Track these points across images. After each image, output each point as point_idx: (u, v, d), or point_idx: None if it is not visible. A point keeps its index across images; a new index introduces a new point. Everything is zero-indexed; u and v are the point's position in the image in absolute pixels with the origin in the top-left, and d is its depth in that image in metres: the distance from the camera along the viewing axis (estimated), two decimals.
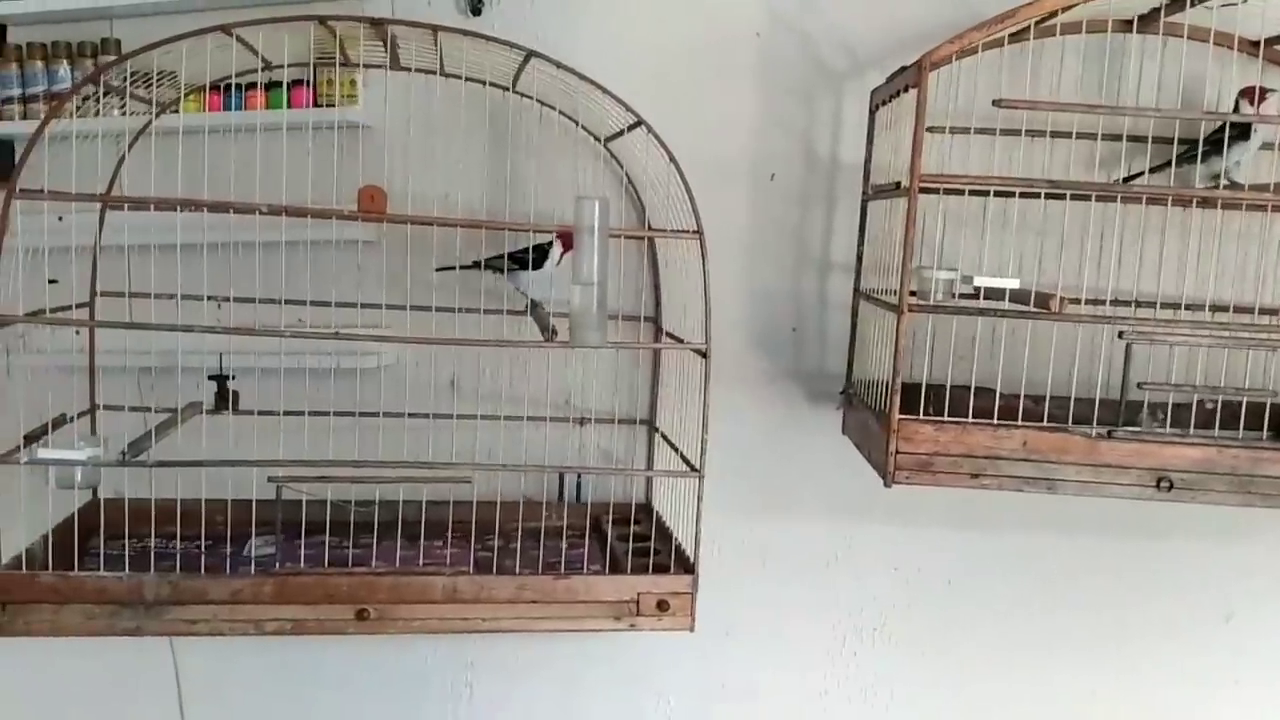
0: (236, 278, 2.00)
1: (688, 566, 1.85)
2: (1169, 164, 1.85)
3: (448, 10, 2.20)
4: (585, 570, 1.88)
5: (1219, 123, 1.81)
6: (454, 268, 2.03)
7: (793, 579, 2.31)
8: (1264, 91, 1.81)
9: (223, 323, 1.91)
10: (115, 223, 2.02)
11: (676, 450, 2.00)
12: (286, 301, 2.00)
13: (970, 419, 1.73)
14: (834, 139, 2.18)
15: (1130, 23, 1.83)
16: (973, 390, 1.78)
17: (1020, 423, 1.73)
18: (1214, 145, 1.83)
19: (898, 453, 1.72)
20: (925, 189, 1.68)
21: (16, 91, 2.22)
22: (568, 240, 1.90)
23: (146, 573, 1.73)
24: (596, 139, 2.11)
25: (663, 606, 1.82)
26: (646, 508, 2.22)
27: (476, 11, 2.19)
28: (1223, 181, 1.82)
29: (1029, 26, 1.63)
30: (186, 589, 1.73)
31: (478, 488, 1.90)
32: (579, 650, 2.35)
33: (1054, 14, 1.62)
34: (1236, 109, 1.83)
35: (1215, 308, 1.90)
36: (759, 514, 2.29)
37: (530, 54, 1.82)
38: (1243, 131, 1.82)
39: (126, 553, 1.77)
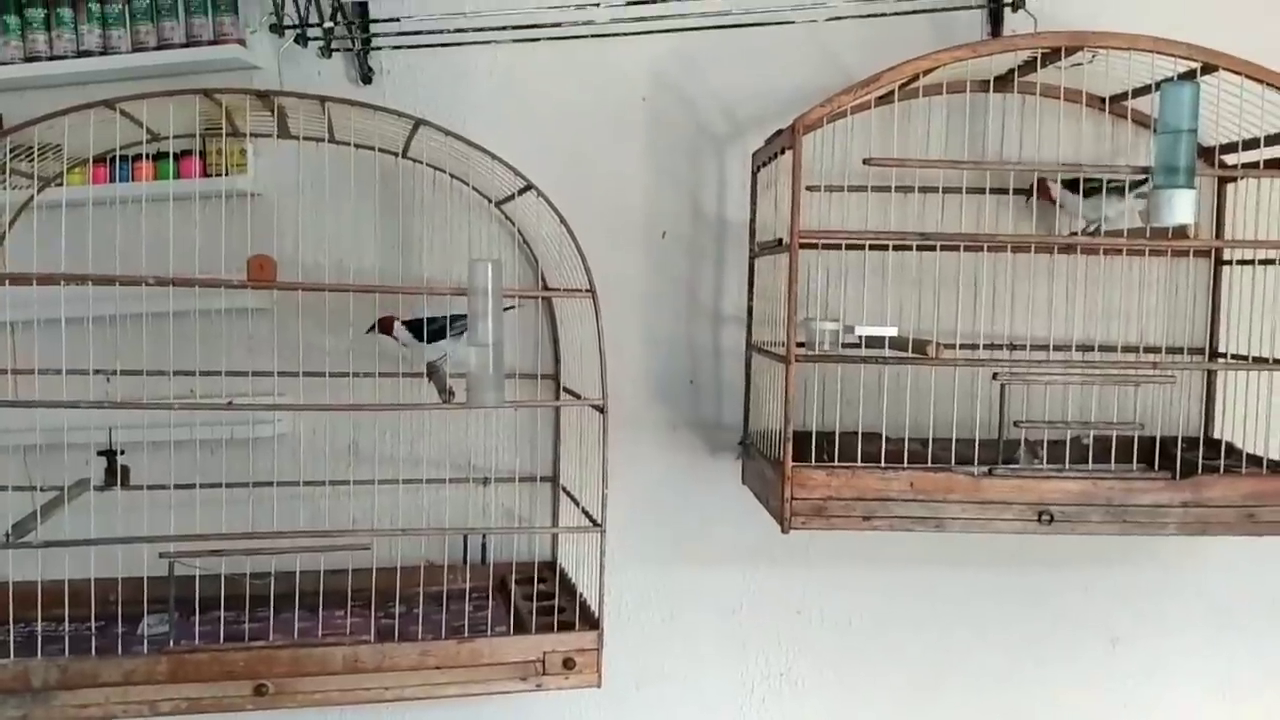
0: (124, 350, 1.97)
1: (593, 622, 1.86)
2: None
3: (338, 79, 2.22)
4: (489, 632, 1.88)
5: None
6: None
7: (700, 628, 2.33)
8: None
9: (111, 397, 1.88)
10: None
11: (578, 505, 2.02)
12: (176, 373, 1.98)
13: (860, 463, 1.79)
14: (720, 198, 2.25)
15: (988, 83, 1.95)
16: (860, 435, 1.84)
17: (906, 465, 1.80)
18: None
19: (793, 499, 1.77)
20: (805, 244, 1.75)
21: None
22: (385, 324, 1.99)
23: (33, 657, 1.68)
24: (489, 200, 2.15)
25: (569, 664, 1.83)
26: (552, 565, 2.23)
27: (367, 80, 2.22)
28: (1094, 227, 1.91)
29: (894, 90, 1.73)
30: (76, 673, 1.68)
31: (378, 554, 1.89)
32: (489, 715, 2.32)
33: (915, 77, 1.72)
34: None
35: (1082, 347, 2.00)
36: (664, 565, 2.31)
37: (419, 122, 1.85)
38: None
39: (11, 638, 1.71)
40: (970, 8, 2.13)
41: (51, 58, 2.18)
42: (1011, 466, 1.80)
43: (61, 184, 2.05)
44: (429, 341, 1.98)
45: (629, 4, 2.17)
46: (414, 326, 1.99)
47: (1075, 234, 1.96)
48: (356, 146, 2.00)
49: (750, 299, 2.14)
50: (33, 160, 1.92)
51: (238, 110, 1.94)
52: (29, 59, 2.18)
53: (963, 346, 1.94)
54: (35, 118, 1.73)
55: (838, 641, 2.33)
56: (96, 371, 1.92)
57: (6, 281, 1.77)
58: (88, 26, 2.17)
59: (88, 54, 2.17)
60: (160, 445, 1.97)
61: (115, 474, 1.99)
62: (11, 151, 1.85)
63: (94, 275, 1.74)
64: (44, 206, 2.03)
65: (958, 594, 2.31)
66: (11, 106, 2.23)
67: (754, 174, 2.12)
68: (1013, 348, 2.05)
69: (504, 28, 2.19)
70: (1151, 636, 2.31)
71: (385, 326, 2.00)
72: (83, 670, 1.69)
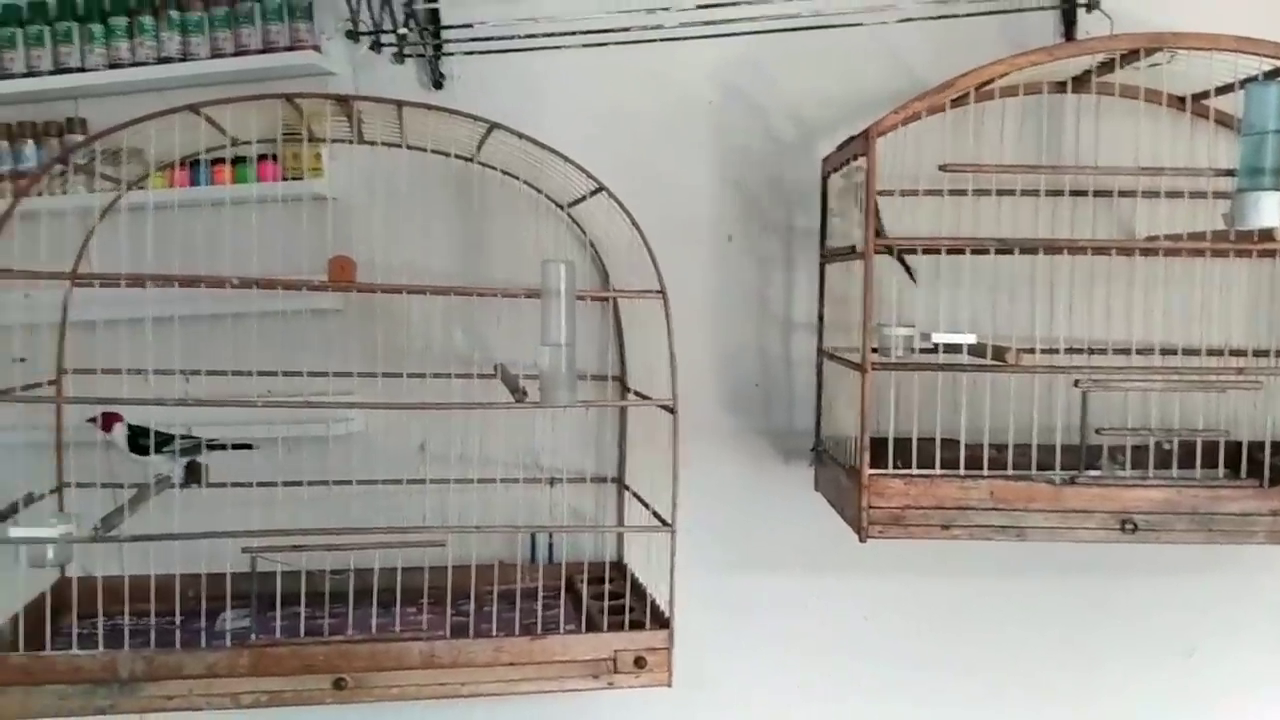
0: (207, 350, 2.01)
1: (663, 622, 1.86)
2: None
3: (410, 85, 2.25)
4: (561, 630, 1.89)
5: None
6: None
7: (766, 631, 2.32)
8: None
9: (193, 395, 1.92)
10: (83, 298, 2.03)
11: (648, 506, 2.03)
12: (258, 373, 2.01)
13: (938, 471, 1.77)
14: (788, 204, 2.25)
15: (1064, 84, 1.92)
16: (938, 442, 1.82)
17: (987, 473, 1.77)
18: None
19: (870, 508, 1.75)
20: (880, 250, 1.73)
21: None
22: (108, 421, 1.96)
23: (120, 649, 1.72)
24: (559, 205, 2.17)
25: (640, 663, 1.83)
26: (619, 565, 2.24)
27: (438, 85, 2.25)
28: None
29: (969, 93, 1.71)
30: (161, 664, 1.72)
31: (451, 553, 1.90)
32: (555, 713, 2.33)
33: (990, 80, 1.70)
34: None
35: (1165, 351, 1.96)
36: (730, 569, 2.31)
37: (493, 125, 1.86)
38: None
39: (100, 630, 1.75)
40: (1042, 9, 2.10)
41: (133, 64, 2.24)
42: (1094, 474, 1.76)
43: (145, 187, 2.09)
44: (154, 453, 1.94)
45: (697, 7, 2.17)
46: (136, 434, 1.95)
47: (1155, 237, 1.92)
48: (431, 152, 2.03)
49: (821, 305, 2.13)
50: (118, 164, 1.97)
51: (316, 116, 1.97)
52: (112, 65, 2.24)
53: (1042, 351, 1.91)
54: (123, 122, 1.77)
55: (905, 649, 2.31)
56: (180, 371, 1.97)
57: (97, 283, 1.81)
58: (168, 34, 2.22)
59: (168, 60, 2.23)
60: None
61: (196, 472, 2.02)
62: (98, 156, 1.90)
63: (180, 276, 1.78)
64: (127, 209, 2.07)
65: (1028, 602, 2.27)
66: (94, 112, 2.30)
67: (824, 179, 2.11)
68: (1093, 352, 2.02)
69: (573, 33, 2.21)
70: (1228, 647, 2.25)
71: (106, 424, 1.96)
72: (167, 662, 1.73)
